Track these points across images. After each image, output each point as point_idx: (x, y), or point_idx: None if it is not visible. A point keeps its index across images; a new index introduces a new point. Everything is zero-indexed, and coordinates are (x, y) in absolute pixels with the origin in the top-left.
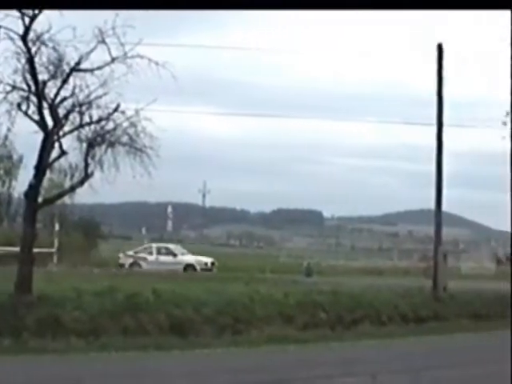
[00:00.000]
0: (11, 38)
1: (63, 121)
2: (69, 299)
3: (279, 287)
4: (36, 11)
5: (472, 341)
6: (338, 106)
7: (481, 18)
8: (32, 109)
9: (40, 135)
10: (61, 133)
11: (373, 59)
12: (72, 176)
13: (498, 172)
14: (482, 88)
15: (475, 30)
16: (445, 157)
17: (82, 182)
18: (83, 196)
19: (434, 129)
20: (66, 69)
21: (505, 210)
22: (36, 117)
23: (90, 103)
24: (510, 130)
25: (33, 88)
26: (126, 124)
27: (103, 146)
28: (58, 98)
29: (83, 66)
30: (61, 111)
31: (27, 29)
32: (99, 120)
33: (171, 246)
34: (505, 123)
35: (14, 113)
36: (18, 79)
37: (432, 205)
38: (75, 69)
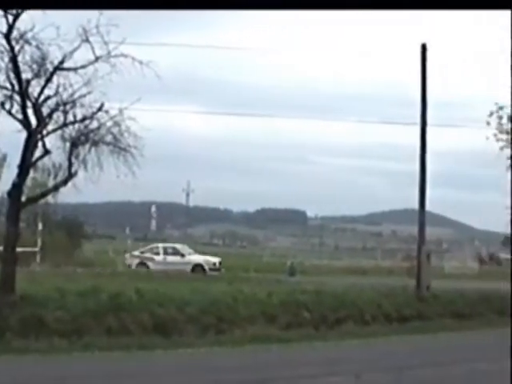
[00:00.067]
0: None
1: (47, 120)
2: (52, 299)
3: (263, 287)
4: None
5: (455, 340)
6: (323, 106)
7: (466, 19)
8: (15, 108)
9: (23, 134)
10: (44, 132)
11: (358, 59)
12: (56, 175)
13: (481, 172)
14: (465, 88)
15: (460, 31)
16: (428, 157)
17: (65, 182)
18: (67, 195)
19: (418, 128)
20: (50, 67)
21: (488, 210)
22: (19, 116)
23: (73, 102)
24: (510, 131)
25: (16, 87)
26: (109, 123)
27: (87, 146)
28: (42, 97)
29: (67, 64)
30: (44, 110)
31: (10, 27)
32: (83, 119)
33: (178, 246)
34: (488, 123)
35: None
36: (2, 78)
37: (416, 204)
38: (59, 68)
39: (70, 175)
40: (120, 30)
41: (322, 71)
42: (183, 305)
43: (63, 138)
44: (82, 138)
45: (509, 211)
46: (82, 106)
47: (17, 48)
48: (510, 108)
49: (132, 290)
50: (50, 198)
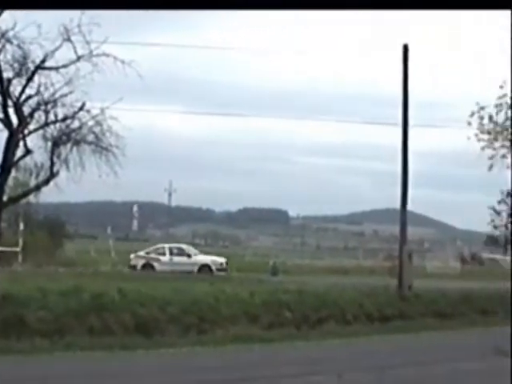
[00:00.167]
0: None
1: (28, 119)
2: (34, 299)
3: (245, 286)
4: None
5: (437, 339)
6: (305, 106)
7: (448, 20)
8: None
9: (5, 134)
10: (26, 131)
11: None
12: (37, 175)
13: (463, 172)
14: (447, 88)
15: (441, 32)
16: (410, 156)
17: (47, 181)
18: (48, 195)
19: (400, 129)
20: (31, 67)
21: (470, 210)
22: (0, 115)
23: (55, 101)
24: (491, 131)
25: None
26: (91, 123)
27: (69, 145)
28: (23, 96)
29: (48, 63)
30: (26, 109)
31: None
32: (64, 118)
33: (184, 246)
34: (470, 123)
35: None
36: None
37: (397, 204)
38: (40, 67)
39: (52, 175)
40: (102, 30)
41: (304, 71)
42: (165, 305)
43: (45, 138)
44: (64, 137)
45: (491, 211)
46: (64, 105)
47: None
48: (491, 108)
49: (114, 289)
50: (31, 198)
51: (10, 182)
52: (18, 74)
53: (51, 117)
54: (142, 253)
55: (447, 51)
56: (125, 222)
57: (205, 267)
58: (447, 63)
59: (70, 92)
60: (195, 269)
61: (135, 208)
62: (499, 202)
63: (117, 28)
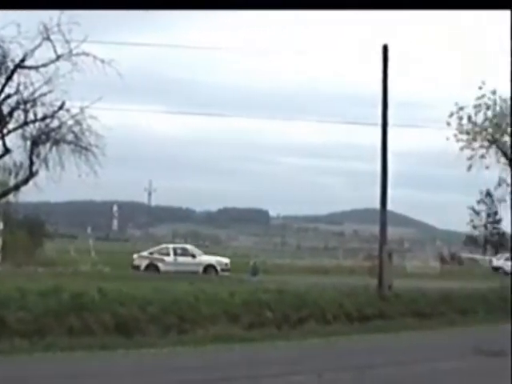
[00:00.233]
0: None
1: (7, 118)
2: (13, 299)
3: (225, 286)
4: None
5: (416, 339)
6: (286, 106)
7: (424, 20)
8: None
9: None
10: (5, 130)
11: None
12: (16, 174)
13: (442, 172)
14: (426, 89)
15: (419, 32)
16: (390, 157)
17: (26, 181)
18: (28, 194)
19: (379, 129)
20: (11, 65)
21: (449, 210)
22: None
23: (34, 101)
24: (470, 131)
25: None
26: (71, 122)
27: (48, 144)
28: (2, 95)
29: (28, 63)
30: (5, 108)
31: None
32: (44, 118)
33: (188, 247)
34: (449, 124)
35: None
36: None
37: (377, 204)
38: (20, 66)
39: (31, 174)
40: (82, 29)
41: (286, 72)
42: (145, 304)
43: (24, 137)
44: (43, 136)
45: (470, 211)
46: (43, 104)
47: None
48: (470, 108)
49: (94, 289)
50: (11, 197)
51: None
52: None
53: (30, 116)
54: (145, 253)
55: (427, 52)
56: (105, 222)
57: (210, 267)
58: (427, 63)
59: (50, 91)
60: (200, 269)
61: (115, 208)
62: (478, 202)
63: (96, 27)
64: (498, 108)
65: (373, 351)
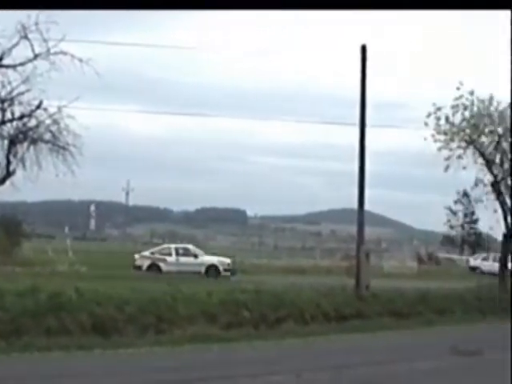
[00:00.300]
0: None
1: None
2: None
3: (202, 286)
4: None
5: (394, 339)
6: (264, 106)
7: (403, 20)
8: None
9: None
10: None
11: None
12: None
13: (420, 173)
14: (404, 89)
15: (398, 32)
16: (368, 157)
17: (3, 180)
18: (5, 194)
19: (357, 129)
20: None
21: (427, 210)
22: None
23: (12, 100)
24: (447, 132)
25: None
26: (48, 121)
27: (25, 144)
28: None
29: (5, 61)
30: None
31: None
32: (21, 117)
33: (190, 247)
34: (426, 124)
35: None
36: None
37: (355, 204)
38: None
39: (8, 174)
40: (60, 27)
41: (264, 72)
42: (123, 304)
43: (1, 136)
44: (21, 136)
45: (447, 211)
46: (21, 103)
47: None
48: (447, 109)
49: (72, 289)
50: None
51: None
52: None
53: (8, 115)
54: (147, 253)
55: (406, 52)
56: (82, 222)
57: (212, 268)
58: (405, 64)
59: (27, 90)
60: (202, 269)
61: (92, 207)
62: (455, 203)
63: (75, 26)
64: (475, 109)
65: (350, 351)
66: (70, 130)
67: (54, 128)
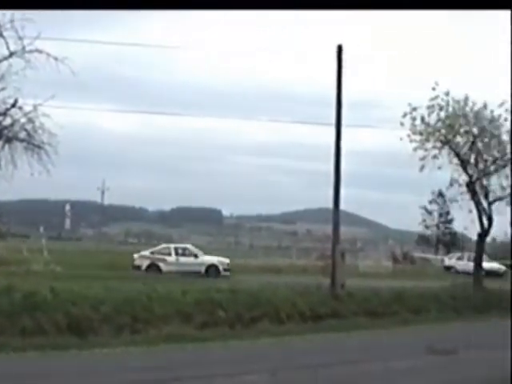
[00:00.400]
0: None
1: None
2: None
3: (178, 285)
4: None
5: (369, 338)
6: (238, 105)
7: (383, 20)
8: None
9: None
10: None
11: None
12: None
13: (395, 172)
14: (380, 89)
15: (375, 32)
16: (344, 156)
17: None
18: None
19: (333, 129)
20: None
21: (402, 210)
22: None
23: None
24: (423, 132)
25: None
26: (23, 120)
27: (0, 142)
28: None
29: None
30: None
31: None
32: None
33: (189, 246)
34: (402, 124)
35: None
36: None
37: (330, 204)
38: None
39: None
40: (35, 25)
41: (241, 72)
42: (98, 304)
43: None
44: None
45: (422, 211)
46: None
47: None
48: (423, 109)
49: (47, 288)
50: None
51: None
52: None
53: None
54: (146, 253)
55: (382, 52)
56: (57, 221)
57: (212, 267)
58: (382, 64)
59: (2, 88)
60: (202, 269)
61: (68, 207)
62: (430, 202)
63: (50, 24)
64: (450, 109)
65: (326, 350)
66: (46, 128)
67: (29, 127)
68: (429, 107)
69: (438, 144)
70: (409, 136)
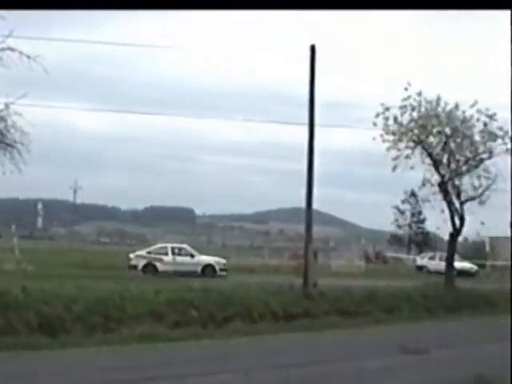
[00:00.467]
0: None
1: None
2: None
3: (149, 284)
4: None
5: (341, 337)
6: (211, 105)
7: (357, 21)
8: None
9: None
10: None
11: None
12: None
13: (368, 172)
14: (354, 89)
15: (348, 33)
16: (317, 156)
17: None
18: None
19: (306, 128)
20: None
21: (374, 209)
22: None
23: None
24: (395, 132)
25: None
26: None
27: None
28: None
29: None
30: None
31: None
32: None
33: (186, 246)
34: (375, 124)
35: None
36: None
37: (303, 203)
38: None
39: None
40: (7, 23)
41: (215, 71)
42: (70, 303)
43: None
44: None
45: (395, 210)
46: None
47: None
48: (395, 109)
49: (18, 288)
50: None
51: None
52: None
53: None
54: (143, 252)
55: (356, 52)
56: (29, 220)
57: (208, 267)
58: (355, 64)
59: None
60: (198, 269)
61: (40, 205)
62: (403, 202)
63: (23, 22)
64: (423, 109)
65: (298, 350)
66: (18, 127)
67: (1, 125)
68: (401, 107)
69: (411, 144)
70: (382, 136)
